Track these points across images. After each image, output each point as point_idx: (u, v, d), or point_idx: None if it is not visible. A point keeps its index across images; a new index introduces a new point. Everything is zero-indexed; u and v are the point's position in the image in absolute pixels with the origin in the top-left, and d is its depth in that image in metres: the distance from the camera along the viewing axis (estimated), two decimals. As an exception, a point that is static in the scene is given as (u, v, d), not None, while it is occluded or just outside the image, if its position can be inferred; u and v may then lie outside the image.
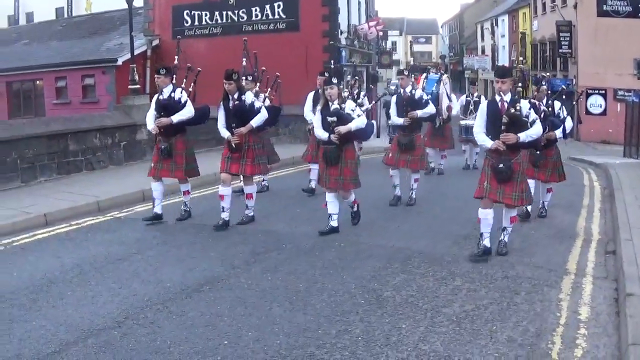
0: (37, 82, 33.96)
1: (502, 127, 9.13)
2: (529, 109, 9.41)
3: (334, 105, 10.57)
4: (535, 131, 9.33)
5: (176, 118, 11.33)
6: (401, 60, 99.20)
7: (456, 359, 6.06)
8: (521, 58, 51.34)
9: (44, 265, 9.37)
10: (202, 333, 6.72)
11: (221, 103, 11.41)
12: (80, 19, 42.47)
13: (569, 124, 11.95)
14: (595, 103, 40.22)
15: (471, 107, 19.81)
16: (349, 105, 10.76)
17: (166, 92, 11.45)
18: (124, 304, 7.59)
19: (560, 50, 42.12)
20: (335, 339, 6.54)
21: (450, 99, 18.44)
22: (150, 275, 8.76)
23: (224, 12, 32.32)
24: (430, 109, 13.53)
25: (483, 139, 9.51)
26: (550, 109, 11.82)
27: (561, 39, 41.41)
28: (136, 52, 29.74)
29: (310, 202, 13.41)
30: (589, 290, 8.13)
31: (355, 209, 11.53)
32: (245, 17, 31.99)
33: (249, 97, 11.41)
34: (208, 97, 14.04)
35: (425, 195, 14.39)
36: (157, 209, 11.83)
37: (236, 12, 32.12)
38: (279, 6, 31.46)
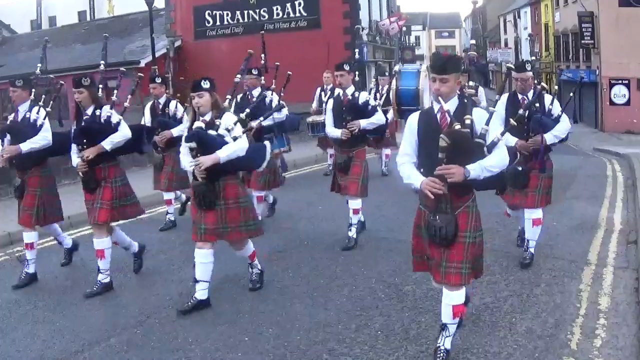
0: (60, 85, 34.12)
1: (440, 155, 5.46)
2: (487, 124, 5.69)
3: (197, 123, 7.27)
4: (496, 160, 5.65)
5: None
6: (425, 54, 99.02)
7: (475, 351, 6.11)
8: (535, 52, 51.18)
9: (66, 266, 9.51)
10: (223, 330, 6.82)
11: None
12: (103, 21, 42.69)
13: (563, 125, 8.56)
14: (619, 93, 39.90)
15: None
16: (226, 122, 7.38)
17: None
18: (146, 304, 7.70)
19: (582, 42, 41.72)
20: (355, 333, 6.61)
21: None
22: (172, 275, 8.88)
23: (245, 12, 32.46)
24: (378, 118, 9.91)
25: (408, 174, 5.86)
26: (539, 105, 8.48)
27: (583, 29, 41.02)
28: (158, 53, 29.99)
29: (331, 200, 13.43)
30: (609, 281, 8.12)
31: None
32: (267, 16, 32.09)
33: (105, 111, 8.18)
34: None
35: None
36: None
37: (257, 11, 32.25)
38: (299, 4, 31.57)
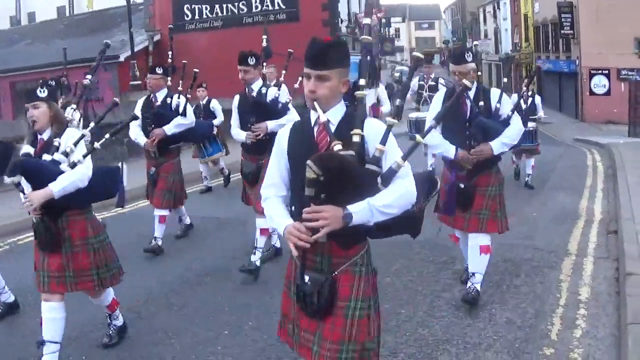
0: (41, 81, 33.93)
1: (306, 191, 3.71)
2: (383, 143, 3.87)
3: (25, 148, 5.88)
4: (394, 197, 3.82)
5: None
6: (405, 47, 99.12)
7: (455, 342, 6.10)
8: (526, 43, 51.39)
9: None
10: (203, 323, 6.79)
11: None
12: (82, 17, 42.49)
13: (514, 129, 6.94)
14: (599, 83, 40.11)
15: (425, 95, 14.66)
16: (67, 142, 5.81)
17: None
18: (125, 298, 7.61)
19: (562, 32, 41.92)
20: (335, 325, 6.58)
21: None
22: (152, 268, 8.83)
23: (224, 5, 32.32)
24: (291, 117, 8.07)
25: (270, 214, 4.14)
26: (483, 104, 6.94)
27: (563, 20, 41.20)
28: (138, 48, 29.87)
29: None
30: (589, 271, 8.15)
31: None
32: (246, 9, 31.98)
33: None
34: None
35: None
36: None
37: (236, 4, 32.12)
38: (278, -4, 31.49)
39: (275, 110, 8.29)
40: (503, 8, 62.84)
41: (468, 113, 6.86)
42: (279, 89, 8.42)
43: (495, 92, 7.10)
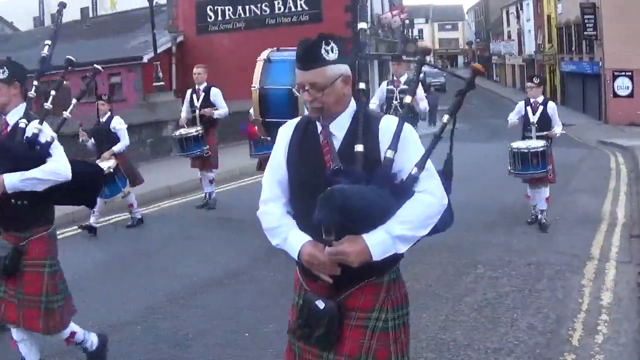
0: (64, 82, 34.09)
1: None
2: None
3: None
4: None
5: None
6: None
7: (476, 347, 6.08)
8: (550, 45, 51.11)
9: (73, 261, 9.44)
10: (224, 325, 6.81)
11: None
12: (105, 18, 42.70)
13: (421, 203, 3.19)
14: (623, 85, 39.73)
15: (395, 104, 11.55)
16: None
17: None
18: (150, 299, 7.70)
19: (585, 33, 41.62)
20: (355, 329, 6.58)
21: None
22: (175, 270, 8.87)
23: (247, 6, 32.36)
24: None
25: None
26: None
27: (585, 21, 40.90)
28: (161, 49, 29.99)
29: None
30: (611, 276, 8.11)
31: None
32: (268, 11, 32.00)
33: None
34: (231, 93, 14.18)
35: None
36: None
37: (259, 5, 32.14)
38: (301, -2, 31.50)
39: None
40: (526, 9, 62.55)
41: (327, 165, 3.30)
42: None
43: (390, 122, 3.31)
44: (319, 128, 3.34)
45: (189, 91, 12.65)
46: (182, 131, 11.98)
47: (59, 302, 5.19)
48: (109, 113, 10.85)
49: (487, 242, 9.61)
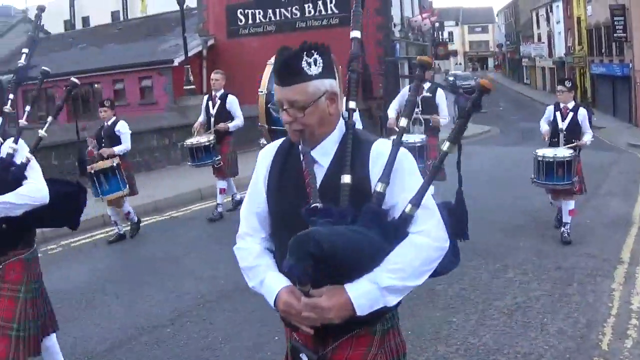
0: (95, 85, 34.41)
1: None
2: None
3: None
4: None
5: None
6: (458, 50, 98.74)
7: (505, 352, 6.07)
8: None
9: (101, 264, 9.63)
10: (254, 329, 6.85)
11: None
12: (136, 21, 42.95)
13: (402, 248, 2.69)
14: (653, 88, 39.52)
15: (417, 111, 10.80)
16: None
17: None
18: (178, 302, 7.76)
19: (615, 35, 41.34)
20: (384, 333, 6.61)
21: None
22: (205, 273, 8.91)
23: (277, 10, 32.45)
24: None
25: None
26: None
27: (615, 23, 40.63)
28: (192, 52, 30.13)
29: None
30: (642, 280, 8.07)
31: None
32: (299, 14, 32.06)
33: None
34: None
35: (474, 186, 13.31)
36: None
37: (289, 9, 32.21)
38: (331, 1, 31.47)
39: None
40: (556, 11, 62.20)
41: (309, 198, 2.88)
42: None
43: (384, 148, 2.85)
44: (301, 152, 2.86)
45: (205, 97, 12.53)
46: (194, 140, 11.79)
47: (30, 330, 4.72)
48: (113, 118, 10.80)
49: (517, 246, 9.57)
